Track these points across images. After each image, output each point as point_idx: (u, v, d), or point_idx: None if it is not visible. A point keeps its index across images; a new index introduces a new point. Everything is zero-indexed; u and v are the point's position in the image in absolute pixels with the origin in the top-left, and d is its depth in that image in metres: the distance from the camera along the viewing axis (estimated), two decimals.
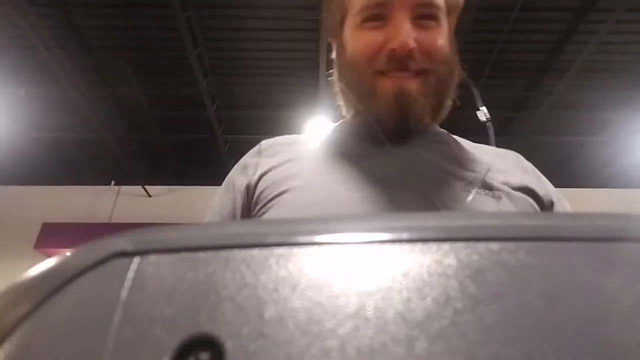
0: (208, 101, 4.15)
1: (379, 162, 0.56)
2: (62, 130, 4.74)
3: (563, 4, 3.53)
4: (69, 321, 0.17)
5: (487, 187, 0.53)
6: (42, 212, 5.19)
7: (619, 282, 0.16)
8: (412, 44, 0.53)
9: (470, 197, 0.52)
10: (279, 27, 3.69)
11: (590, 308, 0.15)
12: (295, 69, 4.03)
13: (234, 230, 0.19)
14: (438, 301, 0.15)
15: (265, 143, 0.65)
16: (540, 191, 0.56)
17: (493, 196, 0.52)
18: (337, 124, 0.69)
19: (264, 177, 0.57)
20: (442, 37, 0.57)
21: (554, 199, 0.57)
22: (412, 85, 0.55)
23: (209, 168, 4.99)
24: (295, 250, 0.17)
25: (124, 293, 0.17)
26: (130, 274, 0.17)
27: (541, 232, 0.17)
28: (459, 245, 0.17)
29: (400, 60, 0.54)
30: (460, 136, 0.66)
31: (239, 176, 0.62)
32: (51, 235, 4.78)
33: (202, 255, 0.17)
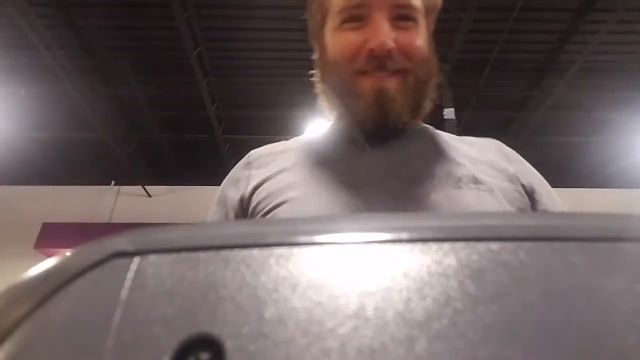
0: (208, 101, 4.16)
1: (365, 165, 0.56)
2: (62, 130, 4.75)
3: (563, 4, 3.53)
4: (69, 321, 0.17)
5: (473, 180, 0.54)
6: (42, 212, 5.19)
7: (619, 282, 0.16)
8: (390, 44, 0.54)
9: (457, 192, 0.52)
10: (279, 27, 3.70)
11: (590, 308, 0.15)
12: (295, 68, 4.03)
13: (234, 230, 0.19)
14: (438, 301, 0.15)
15: (254, 154, 0.65)
16: (523, 178, 0.57)
17: (479, 189, 0.53)
18: (325, 127, 0.69)
19: (259, 190, 0.57)
20: (420, 38, 0.58)
21: (535, 186, 0.58)
22: (391, 84, 0.56)
23: (209, 168, 5.00)
24: (295, 250, 0.17)
25: (124, 293, 0.17)
26: (130, 274, 0.17)
27: (541, 232, 0.17)
28: (459, 245, 0.17)
29: (379, 60, 0.55)
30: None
31: (230, 190, 0.62)
32: (51, 235, 4.79)
33: (202, 255, 0.17)
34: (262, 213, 0.55)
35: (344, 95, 0.59)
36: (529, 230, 0.18)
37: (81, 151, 5.20)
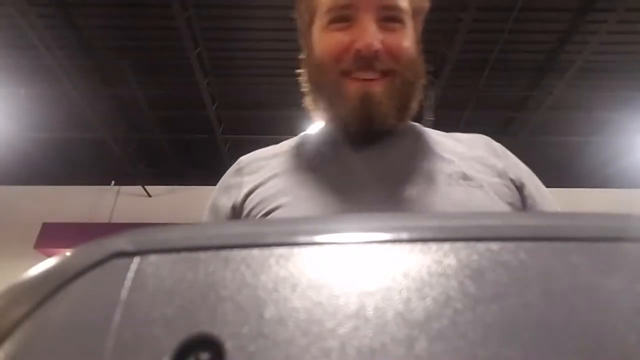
0: (208, 101, 4.16)
1: (355, 167, 0.56)
2: (62, 130, 4.75)
3: (563, 4, 3.53)
4: (69, 321, 0.17)
5: (462, 176, 0.54)
6: (42, 212, 5.19)
7: (619, 282, 0.16)
8: (377, 45, 0.54)
9: (446, 189, 0.52)
10: (279, 27, 3.69)
11: (590, 308, 0.15)
12: (295, 68, 4.02)
13: (234, 230, 0.19)
14: (438, 301, 0.15)
15: (244, 160, 0.65)
16: (511, 173, 0.57)
17: (469, 185, 0.53)
18: (315, 129, 0.69)
19: (251, 196, 0.57)
20: (407, 40, 0.58)
21: (524, 180, 0.58)
22: (378, 88, 0.56)
23: (209, 168, 4.99)
24: (295, 250, 0.17)
25: (124, 293, 0.17)
26: (130, 274, 0.17)
27: (541, 232, 0.17)
28: (459, 245, 0.17)
29: (366, 61, 0.55)
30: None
31: (222, 198, 0.61)
32: (51, 235, 4.79)
33: (202, 255, 0.17)
34: (257, 217, 0.55)
35: (330, 96, 0.59)
36: (529, 230, 0.18)
37: (81, 151, 5.20)
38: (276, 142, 0.69)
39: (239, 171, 0.63)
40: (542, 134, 4.75)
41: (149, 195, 5.61)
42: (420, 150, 0.59)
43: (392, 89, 0.56)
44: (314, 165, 0.59)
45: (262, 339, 0.15)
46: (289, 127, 4.45)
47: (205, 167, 5.13)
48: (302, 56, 0.66)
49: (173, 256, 0.18)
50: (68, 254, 0.19)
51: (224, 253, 0.17)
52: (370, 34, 0.54)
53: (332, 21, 0.57)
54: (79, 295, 0.17)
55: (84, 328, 0.16)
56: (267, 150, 0.67)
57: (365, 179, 0.54)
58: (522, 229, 0.18)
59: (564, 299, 0.15)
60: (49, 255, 4.11)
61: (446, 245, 0.17)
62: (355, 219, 0.20)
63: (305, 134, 0.69)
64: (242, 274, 0.17)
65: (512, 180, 0.57)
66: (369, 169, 0.56)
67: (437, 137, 0.63)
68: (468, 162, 0.57)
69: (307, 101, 0.65)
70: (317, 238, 0.18)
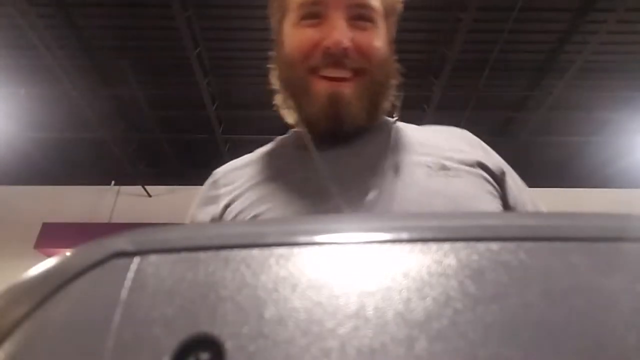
0: (208, 101, 4.15)
1: (332, 168, 0.56)
2: (62, 130, 4.74)
3: (563, 4, 3.53)
4: (69, 321, 0.17)
5: (441, 167, 0.54)
6: (42, 212, 5.19)
7: (619, 282, 0.16)
8: (346, 43, 0.54)
9: (426, 180, 0.52)
10: None
11: (590, 308, 0.15)
12: None
13: (233, 230, 0.19)
14: (438, 301, 0.15)
15: (218, 172, 0.65)
16: (490, 164, 0.57)
17: (447, 175, 0.53)
18: (285, 135, 0.68)
19: (229, 208, 0.57)
20: (378, 39, 0.57)
21: (505, 169, 0.59)
22: (347, 89, 0.55)
23: (209, 168, 4.96)
24: (295, 250, 0.17)
25: (124, 293, 0.17)
26: (130, 274, 0.17)
27: (541, 232, 0.17)
28: (459, 245, 0.17)
29: (334, 58, 0.54)
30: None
31: (200, 213, 0.61)
32: (51, 235, 4.78)
33: (202, 255, 0.17)
34: None
35: (298, 94, 0.58)
36: (529, 230, 0.18)
37: (81, 151, 5.20)
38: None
39: (215, 184, 0.63)
40: (542, 134, 4.74)
41: (149, 195, 5.61)
42: (395, 145, 0.59)
43: (362, 89, 0.56)
44: (283, 172, 0.59)
45: (262, 339, 0.15)
46: (289, 127, 4.44)
47: (205, 167, 5.09)
48: (273, 53, 0.65)
49: (173, 256, 0.18)
50: (68, 254, 0.19)
51: (224, 253, 0.17)
52: (339, 32, 0.54)
53: (303, 17, 0.57)
54: (79, 295, 0.17)
55: (84, 328, 0.16)
56: (241, 159, 0.66)
57: (332, 181, 0.54)
58: (522, 229, 0.18)
59: (564, 299, 0.15)
60: (49, 255, 4.10)
61: (446, 245, 0.17)
62: (355, 219, 0.20)
63: (280, 138, 0.68)
64: (242, 274, 0.17)
65: (491, 171, 0.57)
66: (337, 171, 0.55)
67: (412, 131, 0.63)
68: (446, 153, 0.57)
69: (278, 100, 0.64)
70: (317, 238, 0.18)
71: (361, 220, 0.20)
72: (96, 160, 5.31)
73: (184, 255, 0.18)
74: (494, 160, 0.59)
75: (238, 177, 0.61)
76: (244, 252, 0.17)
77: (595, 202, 5.31)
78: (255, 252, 0.17)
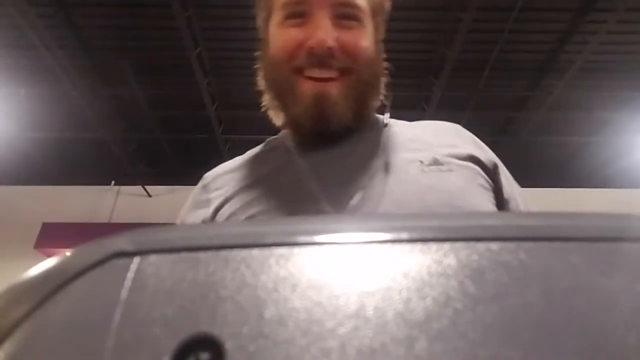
0: (208, 101, 4.15)
1: (321, 169, 0.55)
2: (62, 130, 4.74)
3: (563, 4, 3.53)
4: (69, 321, 0.17)
5: (434, 161, 0.54)
6: (42, 212, 5.19)
7: (619, 282, 0.16)
8: (331, 42, 0.53)
9: (417, 175, 0.52)
10: None
11: (590, 308, 0.15)
12: None
13: (234, 230, 0.19)
14: (438, 301, 0.15)
15: (208, 176, 0.65)
16: (483, 158, 0.57)
17: (440, 170, 0.53)
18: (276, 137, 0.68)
19: (221, 211, 0.57)
20: (365, 38, 0.57)
21: (497, 162, 0.58)
22: (333, 89, 0.54)
23: (209, 168, 4.97)
24: (295, 250, 0.17)
25: (124, 293, 0.17)
26: (130, 274, 0.17)
27: (541, 232, 0.17)
28: (459, 245, 0.17)
29: (319, 58, 0.54)
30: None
31: (191, 216, 0.61)
32: (51, 235, 4.78)
33: (202, 255, 0.17)
34: None
35: (283, 94, 0.58)
36: (529, 230, 0.18)
37: (81, 151, 5.20)
38: None
39: (205, 188, 0.63)
40: (542, 134, 4.74)
41: (149, 195, 5.61)
42: (385, 143, 0.58)
43: (349, 89, 0.55)
44: (272, 174, 0.58)
45: (262, 339, 0.15)
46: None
47: (206, 167, 5.10)
48: (259, 53, 0.64)
49: (173, 256, 0.18)
50: (68, 254, 0.19)
51: (224, 253, 0.17)
52: (323, 31, 0.53)
53: (288, 17, 0.56)
54: (79, 295, 0.17)
55: (84, 328, 0.16)
56: (231, 162, 0.66)
57: (319, 183, 0.53)
58: (522, 229, 0.18)
59: (564, 299, 0.15)
60: (49, 255, 4.11)
61: (446, 245, 0.17)
62: (355, 219, 0.20)
63: (271, 139, 0.68)
64: (242, 274, 0.17)
65: (484, 164, 0.56)
66: (326, 172, 0.54)
67: (403, 128, 0.63)
68: (438, 149, 0.56)
69: (264, 100, 0.63)
70: (317, 238, 0.18)
71: (361, 220, 0.20)
72: (96, 160, 5.31)
73: (184, 255, 0.18)
74: (487, 154, 0.59)
75: (228, 180, 0.61)
76: (244, 252, 0.17)
77: (595, 202, 5.30)
78: (255, 252, 0.17)
